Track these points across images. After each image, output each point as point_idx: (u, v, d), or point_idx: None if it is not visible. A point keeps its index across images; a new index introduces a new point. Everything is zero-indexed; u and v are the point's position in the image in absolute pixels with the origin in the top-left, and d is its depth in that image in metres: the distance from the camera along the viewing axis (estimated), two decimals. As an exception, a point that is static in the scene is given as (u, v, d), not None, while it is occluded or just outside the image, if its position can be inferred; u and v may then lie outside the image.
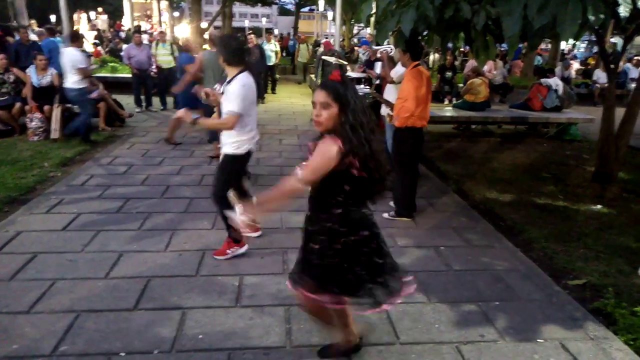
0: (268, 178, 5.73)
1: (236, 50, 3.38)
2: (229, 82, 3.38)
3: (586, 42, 30.92)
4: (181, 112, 3.36)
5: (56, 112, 7.22)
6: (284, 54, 19.70)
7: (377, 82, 8.19)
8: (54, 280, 3.26)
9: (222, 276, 3.42)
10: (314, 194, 2.13)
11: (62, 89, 6.99)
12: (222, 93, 3.54)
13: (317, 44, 18.44)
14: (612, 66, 6.02)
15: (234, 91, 3.29)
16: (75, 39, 7.14)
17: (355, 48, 15.96)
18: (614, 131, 5.86)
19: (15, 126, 7.45)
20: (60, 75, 7.15)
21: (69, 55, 6.68)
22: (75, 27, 18.68)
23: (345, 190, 2.05)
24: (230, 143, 3.49)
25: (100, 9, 22.32)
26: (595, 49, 19.60)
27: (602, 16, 3.38)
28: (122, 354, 2.56)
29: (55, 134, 7.14)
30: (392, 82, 5.28)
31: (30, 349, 2.58)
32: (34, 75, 7.33)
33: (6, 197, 4.78)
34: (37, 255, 3.61)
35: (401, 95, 4.47)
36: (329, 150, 1.95)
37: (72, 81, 6.68)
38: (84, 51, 7.61)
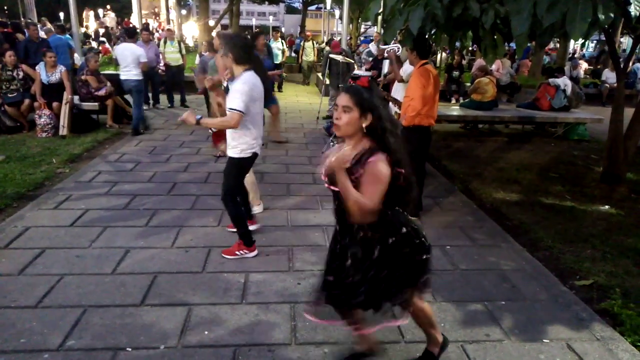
0: (274, 176, 5.74)
1: (244, 48, 3.37)
2: (234, 80, 3.38)
3: (595, 41, 30.65)
4: (185, 115, 3.35)
5: (65, 109, 7.28)
6: (292, 54, 19.66)
7: (383, 79, 8.16)
8: (62, 275, 3.29)
9: (228, 273, 3.43)
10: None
11: (119, 80, 7.69)
12: (227, 91, 3.55)
13: (327, 43, 18.29)
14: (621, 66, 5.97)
15: (238, 89, 3.26)
16: (132, 35, 8.06)
17: (360, 47, 15.93)
18: (623, 131, 5.82)
19: (24, 123, 7.51)
20: (70, 72, 7.23)
21: (133, 50, 7.48)
22: (84, 25, 18.81)
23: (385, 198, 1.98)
24: (236, 146, 3.47)
25: (108, 7, 22.44)
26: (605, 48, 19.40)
27: (612, 15, 3.35)
28: (129, 349, 2.58)
29: (63, 130, 7.19)
30: (402, 80, 5.27)
31: (38, 343, 2.60)
32: (43, 72, 7.39)
33: (15, 193, 4.83)
34: (45, 250, 3.65)
35: (408, 94, 4.47)
36: (384, 172, 1.90)
37: (134, 73, 7.49)
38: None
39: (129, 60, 7.44)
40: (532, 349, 2.73)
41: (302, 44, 16.35)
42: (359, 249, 2.06)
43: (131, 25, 13.09)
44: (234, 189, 3.60)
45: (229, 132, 3.49)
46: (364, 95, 1.94)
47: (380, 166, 1.89)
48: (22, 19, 18.19)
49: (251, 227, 3.96)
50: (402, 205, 2.09)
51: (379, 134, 1.93)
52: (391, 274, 2.07)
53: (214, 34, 12.76)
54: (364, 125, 1.94)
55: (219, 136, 6.15)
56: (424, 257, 2.13)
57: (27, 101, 7.40)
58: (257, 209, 4.37)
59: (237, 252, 3.65)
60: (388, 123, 1.94)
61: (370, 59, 9.72)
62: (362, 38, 27.00)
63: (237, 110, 3.25)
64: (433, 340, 2.49)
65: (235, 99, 3.25)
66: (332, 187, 2.01)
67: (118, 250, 3.70)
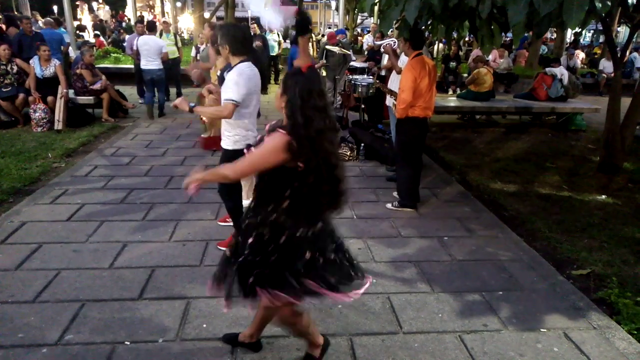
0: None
1: (241, 39, 3.33)
2: (229, 70, 3.34)
3: (592, 31, 30.59)
4: (178, 101, 3.31)
5: (60, 103, 7.23)
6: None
7: (383, 73, 8.13)
8: (59, 270, 3.28)
9: (226, 266, 3.43)
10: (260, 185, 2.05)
11: (141, 69, 8.36)
12: (219, 78, 3.50)
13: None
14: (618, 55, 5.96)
15: (232, 79, 3.21)
16: (152, 28, 8.64)
17: (359, 38, 15.81)
18: (620, 121, 5.82)
19: (19, 117, 7.46)
20: (66, 66, 7.18)
21: (155, 42, 8.23)
22: (78, 18, 18.64)
23: (294, 186, 1.94)
24: (229, 138, 3.44)
25: (100, 0, 22.25)
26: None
27: (609, 3, 3.34)
28: (127, 343, 2.58)
29: (58, 124, 7.15)
30: (400, 72, 5.23)
31: (36, 337, 2.60)
32: (37, 66, 7.33)
33: (11, 188, 4.80)
34: (42, 245, 3.63)
35: (400, 86, 4.44)
36: (269, 147, 1.88)
37: (157, 63, 8.23)
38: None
39: (152, 52, 8.11)
40: (530, 339, 2.74)
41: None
42: (268, 231, 2.00)
43: (151, 19, 13.60)
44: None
45: (224, 122, 3.45)
46: (287, 78, 1.96)
47: (270, 141, 1.89)
48: (15, 13, 18.03)
49: None
50: (322, 203, 2.00)
51: (288, 117, 1.91)
52: (279, 264, 2.01)
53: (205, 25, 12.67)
54: (282, 105, 1.95)
55: (210, 141, 6.13)
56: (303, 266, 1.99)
57: (21, 95, 7.33)
58: (247, 202, 4.31)
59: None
60: (299, 113, 1.85)
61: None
62: (358, 30, 26.82)
63: (232, 101, 3.21)
64: (313, 343, 2.42)
65: (229, 89, 3.21)
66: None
67: (115, 245, 3.69)
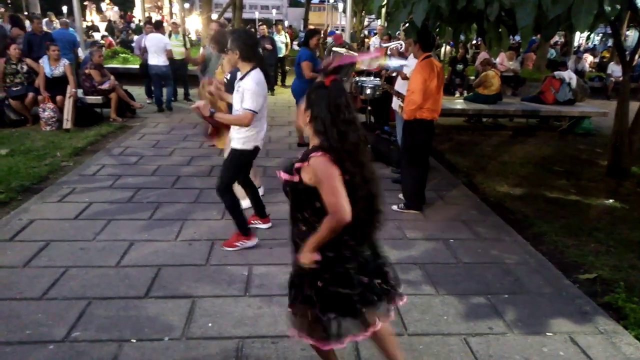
0: (278, 169, 5.73)
1: (252, 46, 3.40)
2: (242, 78, 3.39)
3: (600, 34, 30.40)
4: (202, 104, 3.38)
5: (68, 103, 7.29)
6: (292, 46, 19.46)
7: (395, 74, 8.11)
8: (66, 267, 3.31)
9: (232, 266, 3.44)
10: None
11: (148, 65, 8.98)
12: (227, 82, 3.54)
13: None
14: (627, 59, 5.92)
15: (251, 88, 3.30)
16: (159, 26, 9.31)
17: (366, 40, 15.82)
18: (628, 125, 5.78)
19: (28, 116, 7.53)
20: (73, 66, 7.24)
21: (159, 39, 8.87)
22: (86, 19, 18.78)
23: (315, 207, 1.83)
24: (239, 138, 3.50)
25: (108, 1, 22.38)
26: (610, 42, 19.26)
27: (618, 7, 3.32)
28: (133, 341, 2.60)
29: (67, 124, 7.20)
30: (406, 78, 5.22)
31: (43, 334, 2.62)
32: (46, 66, 7.39)
33: (19, 186, 4.85)
34: (50, 243, 3.67)
35: (409, 87, 4.44)
36: (329, 168, 1.76)
37: (162, 60, 8.89)
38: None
39: (157, 48, 8.78)
40: (535, 342, 2.73)
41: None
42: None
43: (159, 19, 14.25)
44: (229, 181, 3.63)
45: (234, 127, 3.54)
46: (311, 93, 1.87)
47: (323, 168, 1.76)
48: (26, 12, 18.19)
49: (264, 226, 4.05)
50: (356, 233, 1.87)
51: (319, 134, 1.81)
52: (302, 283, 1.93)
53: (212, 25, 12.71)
54: (307, 121, 1.86)
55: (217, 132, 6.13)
56: (340, 290, 1.87)
57: (31, 95, 7.40)
58: (244, 203, 4.30)
59: (236, 243, 3.68)
60: (331, 128, 1.77)
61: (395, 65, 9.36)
62: (365, 32, 26.81)
63: (252, 111, 3.31)
64: None
65: (249, 100, 3.30)
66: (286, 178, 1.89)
67: (122, 243, 3.72)
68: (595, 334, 2.83)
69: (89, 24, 18.86)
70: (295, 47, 19.41)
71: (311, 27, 17.81)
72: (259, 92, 3.33)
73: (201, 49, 10.77)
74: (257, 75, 3.36)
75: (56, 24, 11.25)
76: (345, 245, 1.88)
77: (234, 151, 3.56)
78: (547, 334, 2.82)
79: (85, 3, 20.38)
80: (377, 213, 1.93)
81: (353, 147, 1.80)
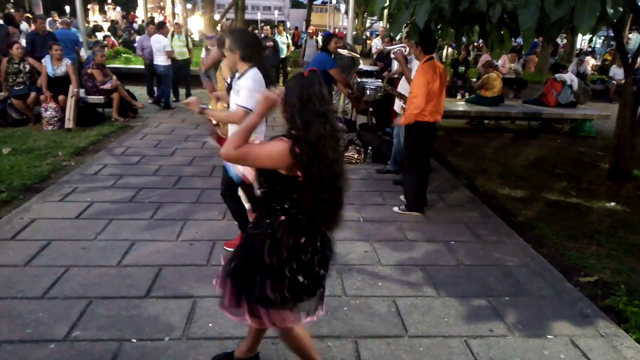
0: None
1: (253, 46, 3.38)
2: (240, 77, 3.38)
3: (603, 37, 30.42)
4: (191, 99, 3.35)
5: (70, 102, 7.30)
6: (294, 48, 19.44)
7: (396, 75, 8.11)
8: (68, 267, 3.31)
9: (233, 266, 3.44)
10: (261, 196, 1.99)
11: (149, 68, 9.47)
12: (228, 85, 3.53)
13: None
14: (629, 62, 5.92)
15: (247, 86, 3.27)
16: (161, 27, 9.49)
17: (368, 41, 15.82)
18: (630, 128, 5.77)
19: (30, 115, 7.54)
20: (75, 66, 7.27)
21: (158, 41, 9.10)
22: (89, 19, 18.83)
23: (293, 198, 1.87)
24: None
25: (109, 1, 22.46)
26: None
27: (620, 9, 3.32)
28: (134, 340, 2.60)
29: (69, 123, 7.22)
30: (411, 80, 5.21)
31: (44, 333, 2.62)
32: (49, 65, 7.40)
33: (21, 185, 4.85)
34: (51, 242, 3.67)
35: (411, 90, 4.43)
36: (273, 149, 1.81)
37: (162, 60, 9.17)
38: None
39: (158, 49, 9.10)
40: (536, 345, 2.73)
41: (304, 42, 14.61)
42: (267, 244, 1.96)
43: (161, 19, 14.50)
44: (234, 183, 3.62)
45: (232, 125, 3.50)
46: (289, 82, 1.91)
47: (273, 145, 1.82)
48: (28, 13, 18.23)
49: None
50: (320, 213, 1.91)
51: (287, 122, 1.85)
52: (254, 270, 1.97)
53: (218, 28, 12.73)
54: (282, 110, 1.89)
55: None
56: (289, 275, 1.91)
57: (33, 94, 7.41)
58: (248, 205, 4.30)
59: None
60: (297, 117, 1.80)
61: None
62: (367, 34, 26.82)
63: (247, 108, 3.27)
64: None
65: (244, 97, 3.27)
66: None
67: (123, 243, 3.72)
68: (596, 337, 2.83)
69: (95, 23, 18.91)
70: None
71: (311, 30, 17.66)
72: (255, 90, 3.28)
73: (203, 50, 10.79)
74: (254, 73, 3.31)
75: (59, 23, 11.27)
76: (302, 247, 1.92)
77: None
78: (548, 336, 2.81)
79: (89, 6, 20.45)
80: (340, 207, 1.95)
81: (315, 139, 1.79)
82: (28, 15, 12.79)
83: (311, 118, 1.80)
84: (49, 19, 13.69)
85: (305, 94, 1.82)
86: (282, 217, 1.90)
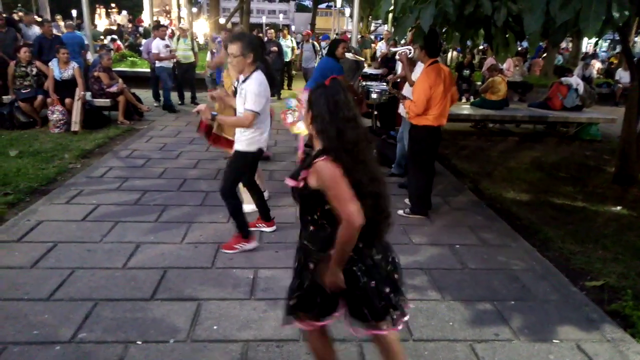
0: (283, 173, 5.75)
1: (259, 49, 3.44)
2: (245, 80, 3.41)
3: (608, 41, 30.32)
4: (201, 107, 3.41)
5: (77, 105, 7.35)
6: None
7: (399, 80, 8.12)
8: (73, 269, 3.33)
9: (237, 269, 3.45)
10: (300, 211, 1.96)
11: (154, 71, 9.65)
12: (235, 90, 3.58)
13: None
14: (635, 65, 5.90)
15: (253, 90, 3.33)
16: (157, 29, 9.65)
17: (373, 45, 15.83)
18: (636, 132, 5.75)
19: (37, 118, 7.60)
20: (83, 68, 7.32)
21: (157, 44, 9.25)
22: (94, 23, 18.94)
23: (324, 209, 1.83)
24: (243, 140, 3.53)
25: (113, 5, 22.63)
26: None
27: (626, 13, 3.30)
28: (139, 342, 2.61)
29: (75, 126, 7.26)
30: (413, 84, 5.21)
31: (50, 335, 2.64)
32: (56, 69, 7.46)
33: (28, 188, 4.89)
34: (57, 244, 3.69)
35: (413, 94, 4.45)
36: (334, 171, 1.74)
37: (159, 62, 9.36)
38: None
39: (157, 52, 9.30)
40: (542, 349, 2.72)
41: (301, 45, 13.78)
42: (302, 254, 1.98)
43: (165, 23, 14.90)
44: (233, 183, 3.64)
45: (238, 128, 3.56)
46: (310, 94, 1.86)
47: (328, 172, 1.74)
48: (36, 16, 18.38)
49: (269, 229, 4.06)
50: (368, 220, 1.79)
51: (319, 133, 1.81)
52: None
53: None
54: (309, 122, 1.86)
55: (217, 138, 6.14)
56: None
57: (40, 97, 7.47)
58: (249, 207, 4.31)
59: (236, 246, 3.69)
60: (330, 126, 1.76)
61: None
62: (372, 37, 26.84)
63: (254, 112, 3.33)
64: None
65: (251, 100, 3.33)
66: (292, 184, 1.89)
67: (129, 245, 3.73)
68: (602, 341, 2.81)
69: (106, 27, 19.03)
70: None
71: (305, 33, 17.59)
72: (261, 93, 3.35)
73: (208, 54, 10.85)
74: (259, 76, 3.37)
75: (63, 27, 11.37)
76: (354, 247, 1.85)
77: (237, 153, 3.59)
78: (554, 341, 2.80)
79: (97, 12, 20.59)
80: (384, 212, 1.90)
81: (352, 145, 1.77)
82: (37, 18, 12.86)
83: (342, 125, 1.77)
84: (53, 23, 13.80)
85: (332, 102, 1.79)
86: (312, 228, 1.90)
